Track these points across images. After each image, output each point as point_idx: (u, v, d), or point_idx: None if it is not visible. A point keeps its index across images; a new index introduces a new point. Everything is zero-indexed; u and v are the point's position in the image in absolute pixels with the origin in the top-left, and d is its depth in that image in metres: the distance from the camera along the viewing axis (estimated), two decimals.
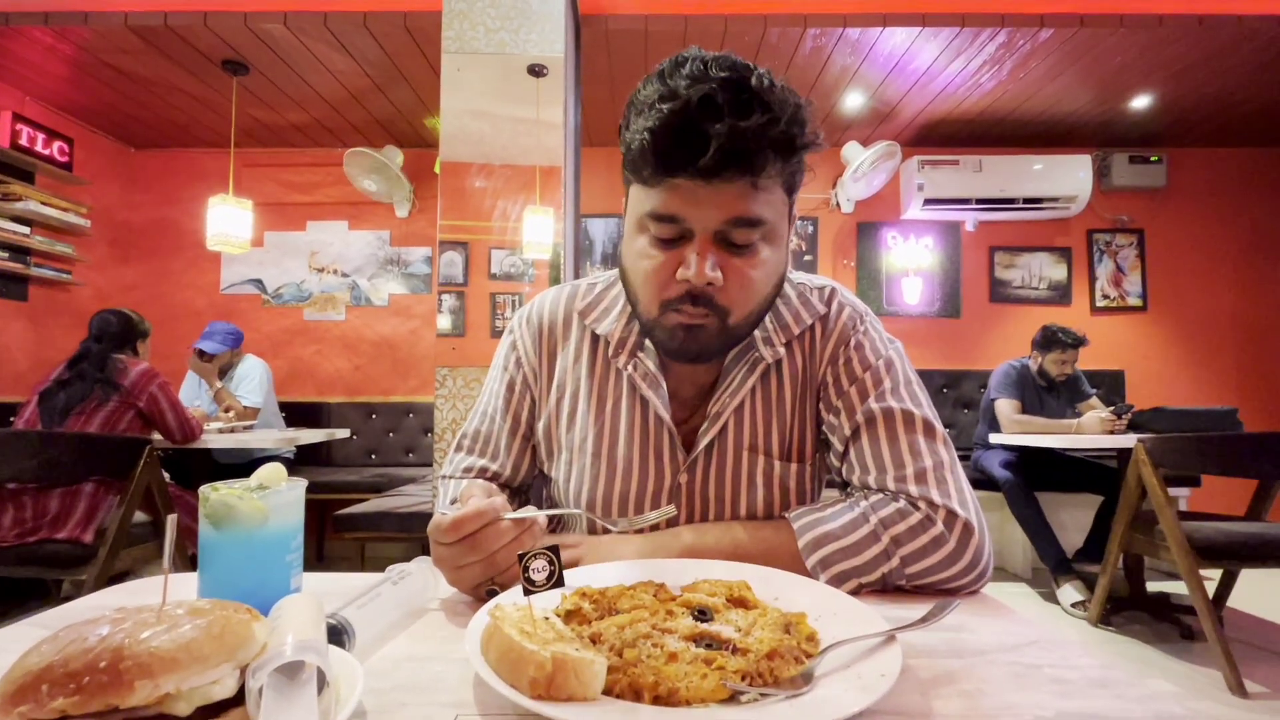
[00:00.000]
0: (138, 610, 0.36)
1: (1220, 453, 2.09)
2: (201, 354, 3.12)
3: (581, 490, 0.80)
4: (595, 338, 0.83)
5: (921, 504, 0.67)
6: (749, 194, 0.63)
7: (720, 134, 0.59)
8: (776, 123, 0.60)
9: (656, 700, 0.41)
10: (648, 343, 0.79)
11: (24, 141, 3.38)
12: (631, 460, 0.79)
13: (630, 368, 0.79)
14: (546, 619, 0.48)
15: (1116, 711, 0.42)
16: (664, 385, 0.79)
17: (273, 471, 0.56)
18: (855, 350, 0.78)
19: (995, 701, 0.43)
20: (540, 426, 0.84)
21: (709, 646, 0.47)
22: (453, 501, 0.80)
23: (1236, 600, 2.48)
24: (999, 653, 0.51)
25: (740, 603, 0.56)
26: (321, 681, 0.37)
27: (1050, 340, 3.05)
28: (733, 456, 0.78)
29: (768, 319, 0.79)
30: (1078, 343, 3.02)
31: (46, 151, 3.51)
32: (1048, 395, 3.12)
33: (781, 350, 0.79)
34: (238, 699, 0.36)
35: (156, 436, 2.37)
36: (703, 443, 0.77)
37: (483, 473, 0.84)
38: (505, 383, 0.86)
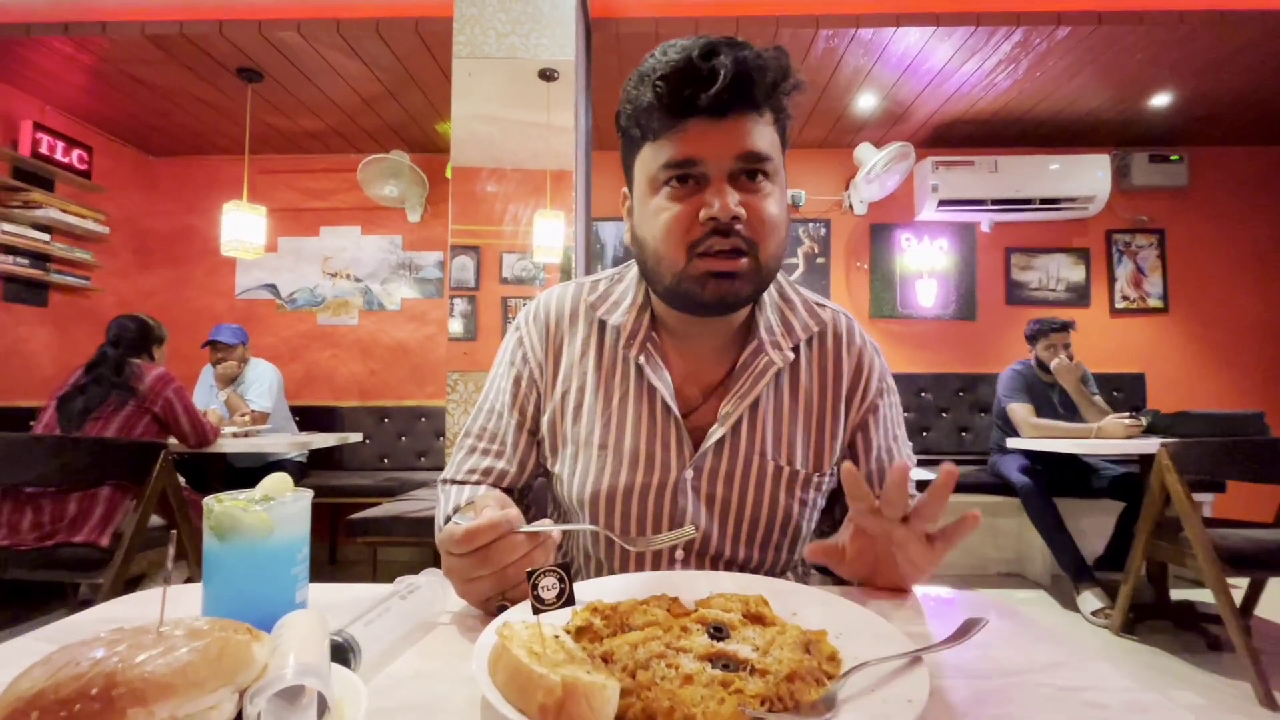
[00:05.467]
0: (135, 631, 0.35)
1: (1247, 458, 2.04)
2: (216, 345, 3.15)
3: (586, 483, 0.79)
4: (603, 332, 0.83)
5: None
6: (754, 129, 0.69)
7: (725, 64, 0.66)
8: (763, 55, 0.69)
9: None
10: (655, 335, 0.81)
11: (44, 150, 3.43)
12: (638, 452, 0.78)
13: (641, 358, 0.79)
14: (556, 638, 0.46)
15: None
16: (670, 377, 0.79)
17: (278, 482, 0.55)
18: (890, 408, 0.86)
19: None
20: (545, 421, 0.84)
21: (726, 667, 0.45)
22: (455, 509, 0.79)
23: (1264, 609, 2.42)
24: (1030, 673, 0.49)
25: (757, 618, 0.54)
26: (323, 706, 0.36)
27: (1036, 332, 3.10)
28: (743, 459, 0.78)
29: (775, 323, 0.81)
30: (1064, 325, 3.04)
31: (66, 159, 3.56)
32: (1053, 392, 3.07)
33: (790, 354, 0.80)
34: None
35: (172, 441, 2.39)
36: (712, 440, 0.77)
37: (487, 473, 0.84)
38: (511, 378, 0.86)
